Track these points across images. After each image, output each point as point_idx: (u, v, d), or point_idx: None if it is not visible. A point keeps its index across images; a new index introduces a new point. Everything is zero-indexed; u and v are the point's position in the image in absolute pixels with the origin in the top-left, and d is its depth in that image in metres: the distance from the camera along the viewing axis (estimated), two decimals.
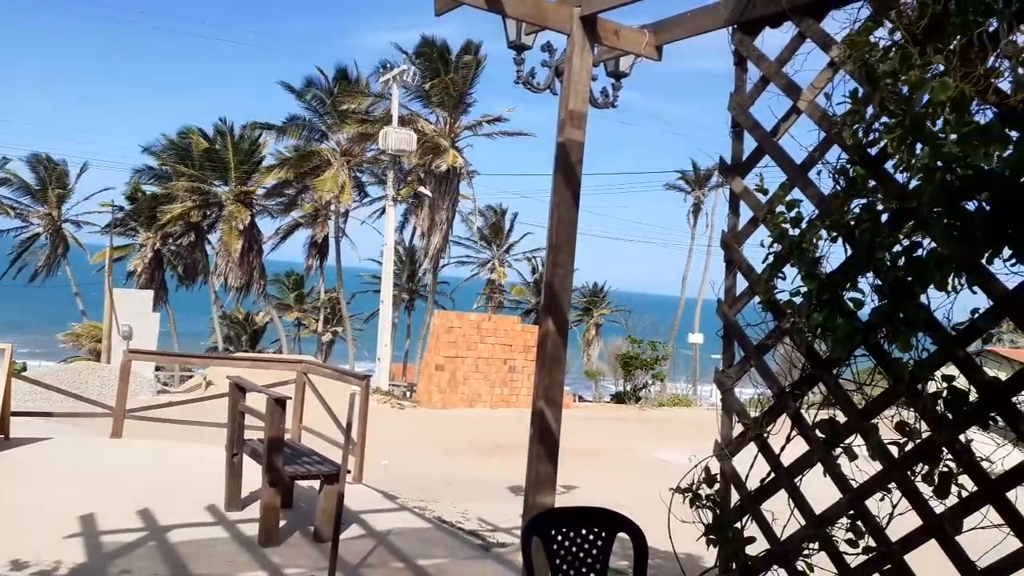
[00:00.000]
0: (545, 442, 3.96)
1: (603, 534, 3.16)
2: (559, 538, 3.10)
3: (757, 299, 3.40)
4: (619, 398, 25.79)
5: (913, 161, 2.62)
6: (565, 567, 3.07)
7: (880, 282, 2.76)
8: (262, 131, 34.29)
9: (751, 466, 3.38)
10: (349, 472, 6.66)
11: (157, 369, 24.62)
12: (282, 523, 5.74)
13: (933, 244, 2.60)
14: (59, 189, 38.95)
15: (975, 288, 2.59)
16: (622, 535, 3.20)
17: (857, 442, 2.91)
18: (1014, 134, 2.40)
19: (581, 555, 3.11)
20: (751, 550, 3.24)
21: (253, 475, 6.25)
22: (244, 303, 39.51)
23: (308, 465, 5.87)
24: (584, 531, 3.14)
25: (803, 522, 3.10)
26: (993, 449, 2.64)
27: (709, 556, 3.59)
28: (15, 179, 38.70)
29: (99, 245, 38.42)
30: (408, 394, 24.12)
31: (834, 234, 2.93)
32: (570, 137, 4.11)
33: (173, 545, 5.32)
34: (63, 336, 37.99)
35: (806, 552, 3.10)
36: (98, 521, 5.73)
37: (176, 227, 34.55)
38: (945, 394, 2.62)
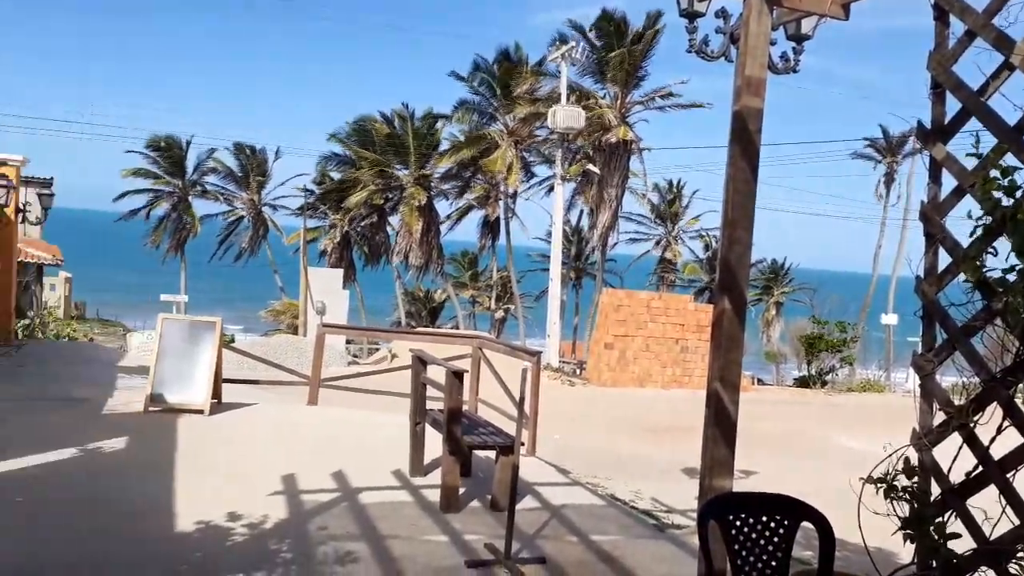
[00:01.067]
0: (721, 424, 3.85)
1: (785, 522, 3.03)
2: (738, 523, 3.01)
3: (962, 277, 3.11)
4: (803, 382, 24.44)
5: None
6: (744, 553, 2.98)
7: None
8: (437, 118, 35.66)
9: (954, 458, 3.11)
10: (523, 445, 6.83)
11: (348, 342, 26.44)
12: (461, 491, 5.99)
13: None
14: (259, 176, 42.62)
15: None
16: (806, 524, 3.05)
17: None
18: None
19: (761, 542, 3.01)
20: (955, 548, 2.98)
21: (434, 443, 6.57)
22: (424, 281, 41.46)
23: (485, 436, 6.08)
24: (765, 518, 3.03)
25: (1017, 521, 2.81)
26: None
27: (904, 552, 3.35)
28: (222, 167, 42.81)
29: (294, 227, 41.69)
30: (578, 371, 24.30)
31: None
32: (747, 104, 3.93)
33: (363, 506, 5.71)
34: (264, 312, 41.77)
35: (1020, 554, 2.81)
36: (297, 481, 6.27)
37: (361, 209, 36.78)
38: None
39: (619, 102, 28.98)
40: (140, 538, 4.80)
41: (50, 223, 22.65)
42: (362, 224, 38.70)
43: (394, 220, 38.08)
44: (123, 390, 10.20)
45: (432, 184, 36.08)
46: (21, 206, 13.02)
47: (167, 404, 8.65)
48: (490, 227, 36.98)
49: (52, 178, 24.91)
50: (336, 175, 38.47)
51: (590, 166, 28.40)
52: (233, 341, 25.37)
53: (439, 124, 35.92)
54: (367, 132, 36.73)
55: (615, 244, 34.03)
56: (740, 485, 6.19)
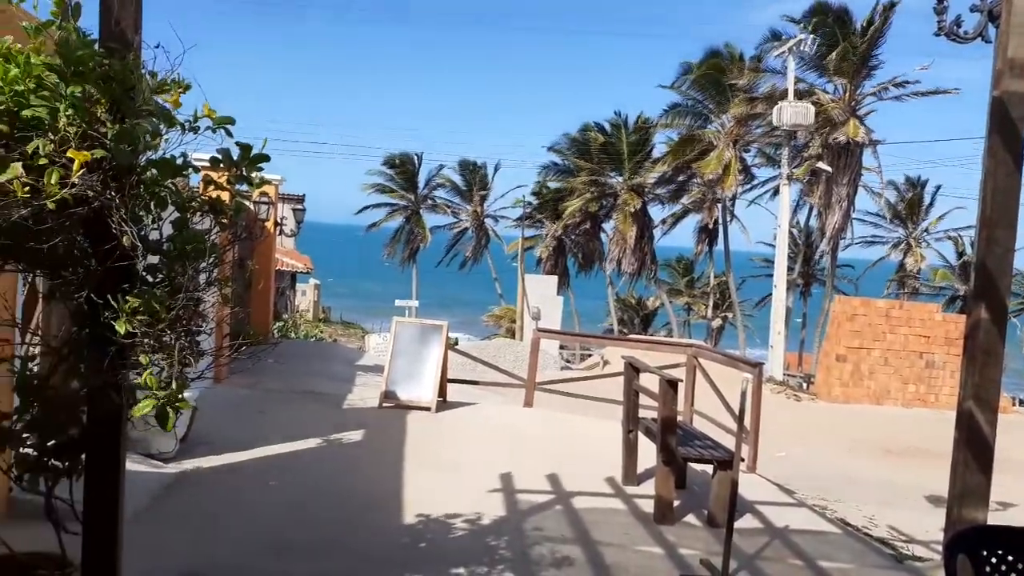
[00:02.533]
0: (974, 448, 3.41)
1: None
2: (993, 560, 2.63)
3: None
4: None
5: None
6: None
7: None
8: (648, 122, 35.36)
9: None
10: (742, 460, 6.51)
11: (561, 347, 26.89)
12: (675, 503, 5.84)
13: None
14: (481, 190, 44.78)
15: None
16: None
17: None
18: None
19: None
20: None
21: (647, 452, 6.46)
22: (636, 287, 41.17)
23: (701, 449, 5.88)
24: None
25: None
26: None
27: None
28: (449, 183, 45.53)
29: (513, 236, 43.24)
30: (805, 385, 22.81)
31: None
32: (1009, 89, 3.46)
33: (577, 511, 5.75)
34: (485, 317, 43.66)
35: None
36: (514, 480, 6.45)
37: (575, 217, 37.31)
38: None
39: (847, 95, 26.92)
40: (370, 525, 5.18)
41: (301, 235, 25.35)
42: (576, 232, 39.25)
43: (608, 227, 38.24)
44: (361, 387, 11.11)
45: (646, 190, 35.77)
46: (278, 220, 14.69)
47: (399, 401, 9.29)
48: (707, 232, 35.88)
49: (304, 195, 27.82)
50: (554, 184, 39.41)
51: (821, 164, 26.56)
52: (457, 344, 26.80)
53: (652, 129, 35.59)
54: (584, 142, 37.26)
55: (847, 247, 31.61)
56: (996, 518, 5.46)
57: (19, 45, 2.21)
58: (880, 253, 39.56)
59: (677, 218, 37.15)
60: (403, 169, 45.31)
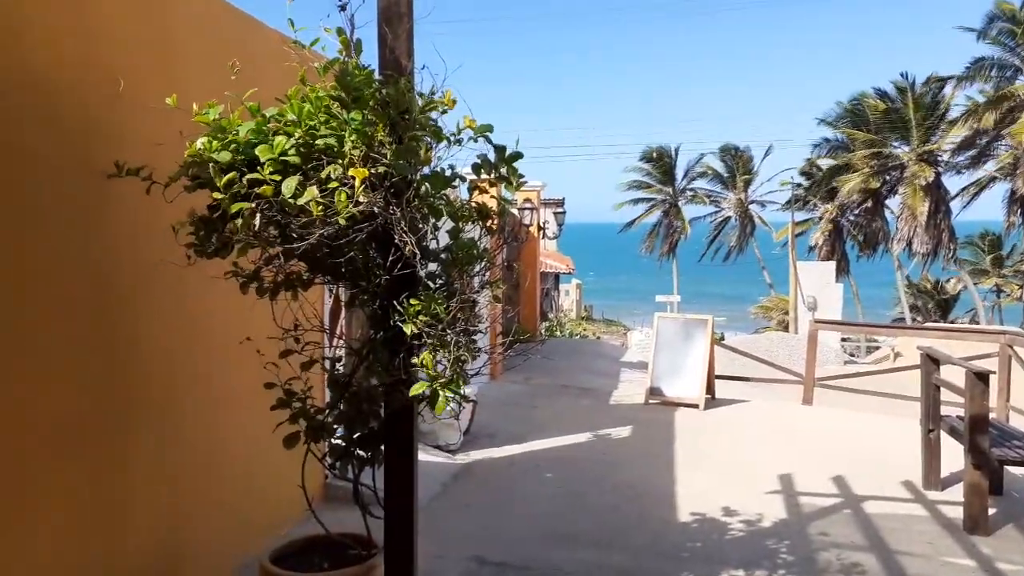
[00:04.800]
0: None
1: None
2: None
3: None
4: None
5: None
6: None
7: None
8: (943, 82, 31.29)
9: None
10: None
11: (843, 339, 24.87)
12: (991, 511, 5.11)
13: None
14: (745, 175, 42.88)
15: None
16: None
17: None
18: None
19: None
20: None
21: (952, 454, 5.75)
22: (931, 269, 36.79)
23: (1020, 450, 5.09)
24: None
25: None
26: None
27: None
28: (710, 171, 44.21)
29: (781, 222, 40.84)
30: None
31: None
32: None
33: (869, 516, 5.26)
34: (753, 308, 41.78)
35: None
36: (795, 481, 6.07)
37: (854, 196, 34.27)
38: None
39: None
40: (646, 519, 5.16)
41: (564, 237, 26.12)
42: (855, 212, 36.03)
43: (893, 204, 34.59)
44: (626, 382, 11.19)
45: (940, 159, 31.78)
46: (541, 224, 15.29)
47: (664, 397, 9.20)
48: (1019, 201, 31.01)
49: (564, 198, 28.65)
50: (826, 163, 36.55)
51: None
52: (723, 338, 25.92)
53: (947, 89, 31.42)
54: (860, 112, 34.06)
55: None
56: None
57: (310, 85, 2.52)
58: None
59: (981, 187, 32.50)
60: (660, 163, 44.85)
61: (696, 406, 8.93)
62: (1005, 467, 5.49)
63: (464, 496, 5.63)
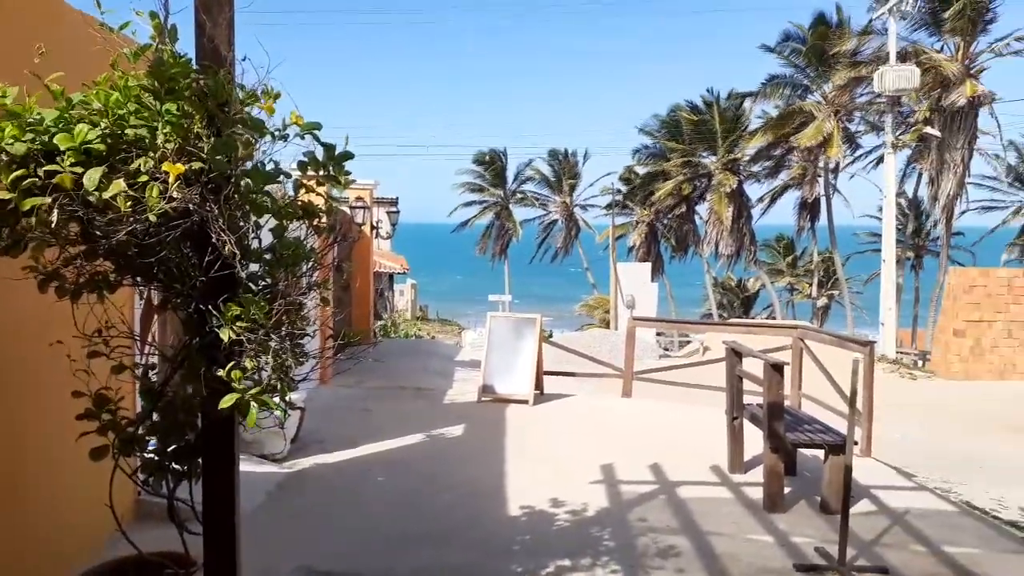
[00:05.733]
0: None
1: None
2: None
3: None
4: None
5: None
6: None
7: None
8: (743, 98, 34.19)
9: None
10: (856, 444, 6.25)
11: (658, 335, 26.49)
12: (786, 490, 5.64)
13: None
14: (571, 179, 44.58)
15: None
16: None
17: None
18: None
19: None
20: None
21: (754, 439, 6.28)
22: (735, 270, 40.09)
23: (810, 433, 5.66)
24: None
25: None
26: None
27: None
28: (538, 175, 45.54)
29: (604, 225, 42.86)
30: (920, 363, 21.67)
31: None
32: None
33: (682, 500, 5.64)
34: (579, 307, 43.55)
35: None
36: (616, 471, 6.39)
37: (668, 201, 36.62)
38: None
39: (961, 54, 25.25)
40: (478, 517, 5.23)
41: (398, 237, 25.93)
42: (669, 216, 38.54)
43: (702, 209, 37.34)
44: (460, 381, 11.28)
45: (741, 168, 34.68)
46: (374, 224, 15.09)
47: (496, 394, 9.38)
48: (808, 207, 34.48)
49: (397, 198, 28.35)
50: (644, 169, 38.78)
51: (929, 129, 24.99)
52: (551, 336, 26.80)
53: (746, 104, 34.38)
54: (675, 123, 36.47)
55: (963, 214, 29.74)
56: None
57: (120, 72, 2.33)
58: (997, 219, 37.04)
59: (776, 195, 35.86)
60: (493, 166, 45.63)
61: (526, 402, 9.18)
62: (798, 449, 6.08)
63: (291, 505, 5.44)
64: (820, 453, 5.70)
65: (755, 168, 34.73)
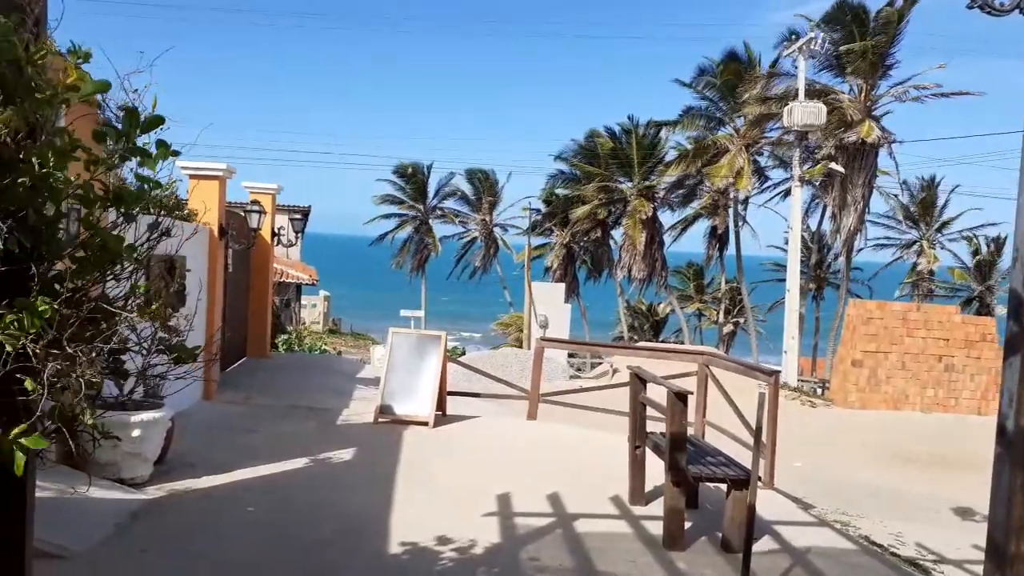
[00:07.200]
0: None
1: None
2: None
3: None
4: None
5: None
6: None
7: None
8: (660, 126, 34.85)
9: None
10: (760, 479, 6.06)
11: (570, 356, 26.38)
12: (687, 525, 5.39)
13: None
14: (491, 198, 44.34)
15: None
16: None
17: None
18: None
19: None
20: None
21: (656, 468, 6.02)
22: (646, 294, 40.61)
23: (714, 467, 5.43)
24: None
25: None
26: None
27: None
28: (459, 192, 45.13)
29: (522, 245, 42.80)
30: (820, 391, 22.26)
31: None
32: None
33: (578, 535, 5.30)
34: (494, 325, 43.29)
35: None
36: (512, 502, 6.00)
37: (584, 224, 36.84)
38: None
39: (863, 95, 26.37)
40: (356, 554, 4.75)
41: (311, 247, 25.02)
42: (586, 239, 38.79)
43: (617, 234, 37.75)
44: (358, 400, 10.69)
45: (657, 195, 35.26)
46: (276, 231, 14.30)
47: (395, 416, 8.87)
48: (717, 237, 35.34)
49: (309, 206, 27.41)
50: (562, 191, 38.95)
51: (834, 165, 25.94)
52: (464, 354, 26.32)
53: (663, 133, 35.05)
54: (592, 148, 36.80)
55: (860, 250, 31.01)
56: None
57: None
58: (893, 255, 38.91)
59: (688, 223, 36.64)
60: (414, 179, 44.94)
61: (426, 424, 8.71)
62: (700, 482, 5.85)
63: (143, 539, 4.81)
64: (723, 486, 5.48)
65: (670, 196, 35.38)
